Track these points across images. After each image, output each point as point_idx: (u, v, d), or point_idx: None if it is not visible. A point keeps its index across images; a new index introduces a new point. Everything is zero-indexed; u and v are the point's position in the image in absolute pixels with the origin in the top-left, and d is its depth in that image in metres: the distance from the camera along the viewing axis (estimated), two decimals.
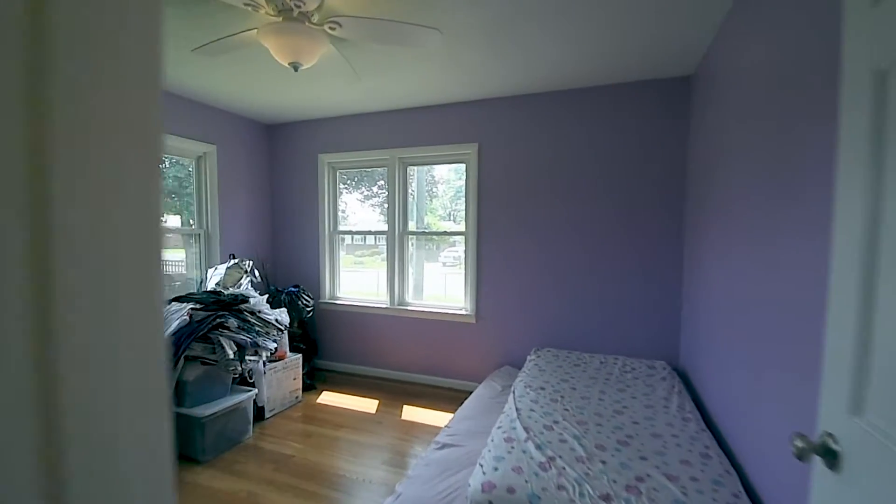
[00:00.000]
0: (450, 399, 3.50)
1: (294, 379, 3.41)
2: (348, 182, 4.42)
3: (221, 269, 3.37)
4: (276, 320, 2.97)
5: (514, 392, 2.44)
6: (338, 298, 4.21)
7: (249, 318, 2.76)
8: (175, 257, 3.86)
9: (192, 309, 2.69)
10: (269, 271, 4.25)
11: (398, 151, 3.79)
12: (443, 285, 4.32)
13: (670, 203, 3.02)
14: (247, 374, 2.77)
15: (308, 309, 3.81)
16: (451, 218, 4.10)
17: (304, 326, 3.84)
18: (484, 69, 2.89)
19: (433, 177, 4.27)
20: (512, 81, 3.11)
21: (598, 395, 2.40)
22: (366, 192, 4.56)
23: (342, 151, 4.04)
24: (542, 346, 3.32)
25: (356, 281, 4.46)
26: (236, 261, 3.43)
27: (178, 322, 2.58)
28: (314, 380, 3.86)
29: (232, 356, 2.57)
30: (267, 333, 2.86)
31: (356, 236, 4.48)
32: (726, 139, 2.11)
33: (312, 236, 4.21)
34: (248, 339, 2.69)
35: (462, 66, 2.84)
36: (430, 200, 4.30)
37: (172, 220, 3.79)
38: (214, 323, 2.59)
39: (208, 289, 3.23)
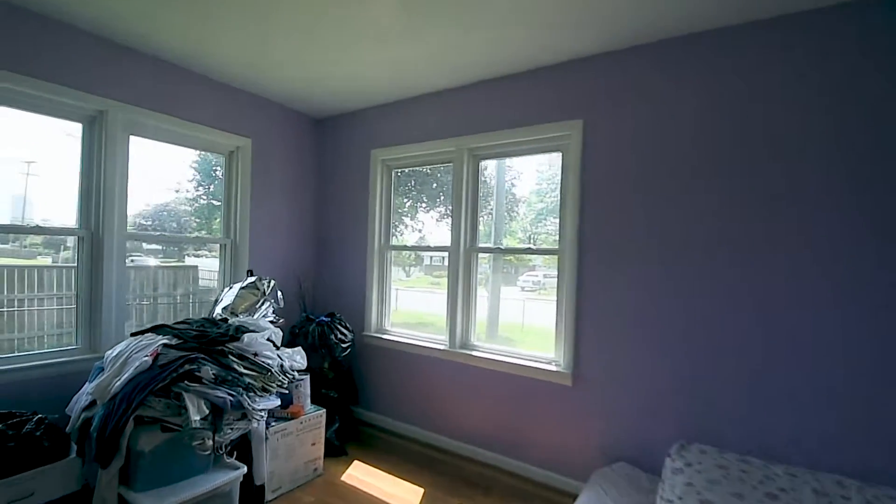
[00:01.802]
0: (528, 500, 2.32)
1: (313, 444, 2.49)
2: (427, 202, 3.69)
3: (235, 288, 2.62)
4: (281, 367, 2.09)
5: None
6: (385, 332, 3.28)
7: (235, 365, 1.90)
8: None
9: (164, 345, 1.90)
10: (309, 293, 3.47)
11: (467, 140, 2.81)
12: (521, 313, 3.44)
13: None
14: (222, 451, 1.89)
15: (344, 345, 2.92)
16: (531, 241, 3.19)
17: (338, 367, 2.95)
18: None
19: (514, 195, 3.40)
20: (638, 19, 1.98)
21: None
22: (442, 211, 3.84)
23: (398, 145, 3.17)
24: (691, 441, 2.01)
25: (433, 302, 3.60)
26: (253, 279, 2.66)
27: (136, 365, 1.80)
28: (346, 440, 2.92)
29: (197, 422, 1.71)
30: (265, 388, 1.98)
31: (434, 257, 3.78)
32: None
33: (361, 252, 3.37)
34: (229, 398, 1.82)
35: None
36: (510, 221, 3.34)
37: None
38: (179, 372, 1.76)
39: (215, 314, 2.49)
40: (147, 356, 1.82)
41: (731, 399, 1.99)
